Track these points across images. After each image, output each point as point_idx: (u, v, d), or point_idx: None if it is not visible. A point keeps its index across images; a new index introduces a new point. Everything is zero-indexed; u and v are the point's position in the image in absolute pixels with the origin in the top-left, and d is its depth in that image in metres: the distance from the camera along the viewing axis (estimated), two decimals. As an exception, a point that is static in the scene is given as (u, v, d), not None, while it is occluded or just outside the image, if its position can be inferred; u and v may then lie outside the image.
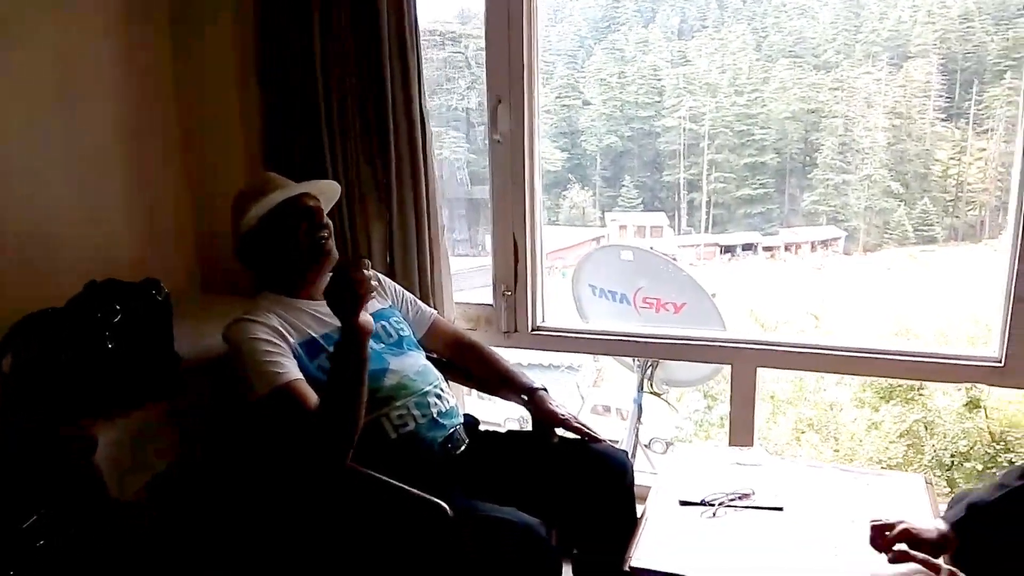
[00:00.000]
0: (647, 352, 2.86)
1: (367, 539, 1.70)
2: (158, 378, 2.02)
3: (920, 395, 7.89)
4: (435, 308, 2.35)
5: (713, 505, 1.82)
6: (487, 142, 2.55)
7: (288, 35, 2.42)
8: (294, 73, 2.44)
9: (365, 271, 1.69)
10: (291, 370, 1.76)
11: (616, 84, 20.62)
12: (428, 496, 1.64)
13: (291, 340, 1.83)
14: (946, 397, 7.74)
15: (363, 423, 1.68)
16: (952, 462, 7.36)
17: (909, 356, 2.27)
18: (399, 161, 2.39)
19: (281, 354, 1.77)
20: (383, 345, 1.93)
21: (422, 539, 1.63)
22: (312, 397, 1.71)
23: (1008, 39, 17.57)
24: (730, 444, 2.41)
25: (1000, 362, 2.09)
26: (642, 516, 1.82)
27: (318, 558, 1.76)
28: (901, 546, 1.51)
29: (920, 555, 1.42)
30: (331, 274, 1.72)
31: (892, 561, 1.50)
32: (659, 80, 20.31)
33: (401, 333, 2.02)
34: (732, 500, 1.82)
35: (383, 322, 1.99)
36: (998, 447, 7.44)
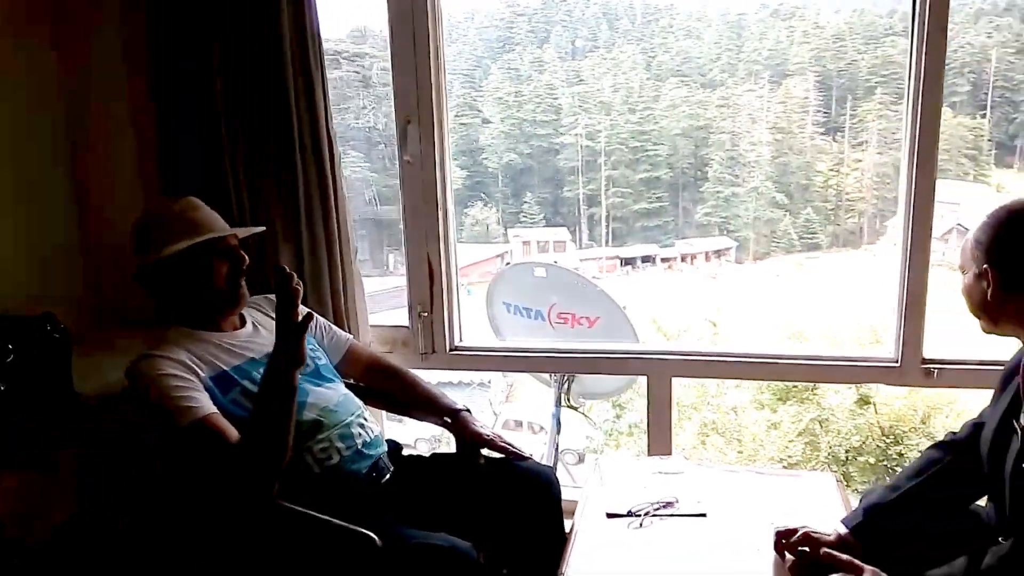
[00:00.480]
0: (566, 367, 2.88)
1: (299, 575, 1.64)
2: (57, 419, 1.88)
3: (814, 395, 8.31)
4: (350, 332, 2.29)
5: (639, 516, 1.84)
6: (396, 162, 2.51)
7: (184, 50, 2.32)
8: (191, 91, 2.33)
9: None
10: (205, 404, 1.67)
11: (514, 103, 20.97)
12: (356, 528, 1.59)
13: (201, 374, 1.74)
14: (838, 396, 8.17)
15: (287, 459, 1.61)
16: (847, 457, 7.76)
17: (815, 360, 2.38)
18: (307, 183, 2.32)
19: (192, 388, 1.68)
20: (301, 375, 1.86)
21: (354, 572, 1.58)
22: (232, 430, 1.62)
23: (878, 57, 18.91)
24: (649, 453, 2.46)
25: (897, 362, 2.22)
26: (571, 531, 1.82)
27: None
28: (805, 549, 1.58)
29: (844, 557, 1.48)
30: (277, 292, 1.61)
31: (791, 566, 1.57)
32: (555, 99, 20.80)
33: (318, 362, 1.95)
34: (657, 510, 1.85)
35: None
36: (888, 440, 7.89)
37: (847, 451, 7.80)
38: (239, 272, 1.83)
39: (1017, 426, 1.34)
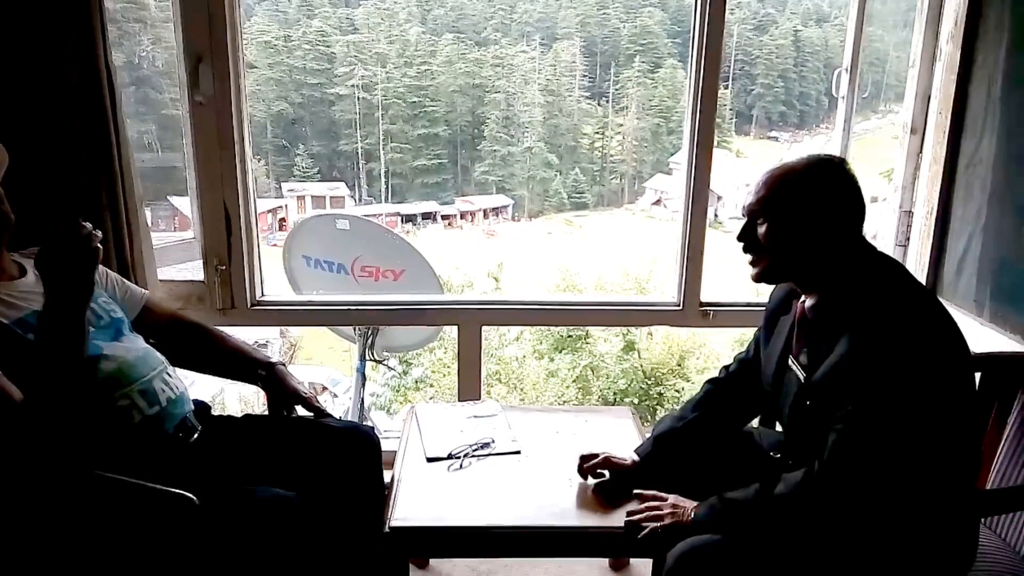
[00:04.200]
0: (379, 319, 2.82)
1: (118, 544, 1.50)
2: None
3: (587, 343, 8.93)
4: (138, 287, 2.10)
5: (459, 457, 1.89)
6: (186, 104, 2.31)
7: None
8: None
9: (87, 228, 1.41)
10: (-18, 364, 1.45)
11: (283, 48, 19.97)
12: (170, 489, 1.49)
13: None
14: (608, 344, 8.85)
15: (82, 417, 1.45)
16: (615, 399, 8.43)
17: (611, 306, 2.55)
18: (83, 123, 2.06)
19: None
20: (93, 329, 1.67)
21: (175, 535, 1.48)
22: (15, 389, 1.43)
23: (636, 27, 20.35)
24: (460, 399, 2.51)
25: (679, 306, 2.44)
26: (392, 478, 1.84)
27: (71, 569, 1.51)
28: (605, 472, 1.72)
29: (649, 492, 1.61)
30: (55, 234, 1.39)
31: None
32: (328, 47, 20.09)
33: (113, 315, 1.76)
34: (475, 450, 1.91)
35: (90, 304, 1.73)
36: (649, 382, 8.71)
37: (615, 393, 8.50)
38: None
39: (795, 365, 1.47)
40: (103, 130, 2.10)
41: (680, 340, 8.67)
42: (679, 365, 8.65)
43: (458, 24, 20.31)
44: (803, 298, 1.46)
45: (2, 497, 1.50)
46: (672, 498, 1.58)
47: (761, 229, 1.39)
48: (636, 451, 1.77)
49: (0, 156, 1.76)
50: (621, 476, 1.73)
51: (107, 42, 2.09)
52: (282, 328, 10.85)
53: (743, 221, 1.44)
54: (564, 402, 7.95)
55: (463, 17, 20.62)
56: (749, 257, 1.43)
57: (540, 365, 8.62)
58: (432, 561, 2.11)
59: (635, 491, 1.64)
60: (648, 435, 1.91)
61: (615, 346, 8.60)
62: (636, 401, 8.15)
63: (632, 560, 2.09)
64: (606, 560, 2.10)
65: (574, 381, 8.36)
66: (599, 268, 11.22)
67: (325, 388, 9.67)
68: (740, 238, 1.44)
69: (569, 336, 8.66)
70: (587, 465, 1.73)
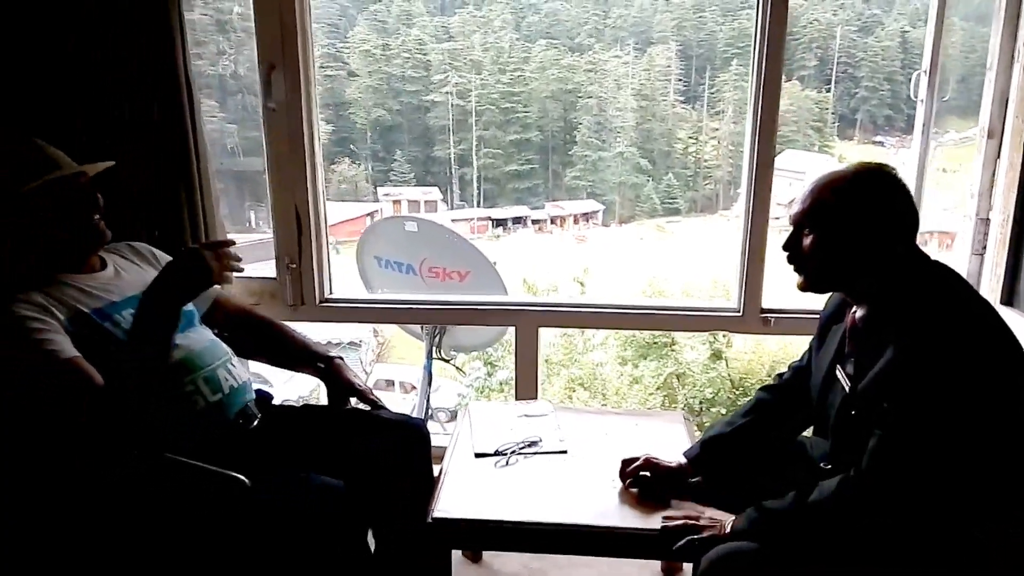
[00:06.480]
0: (437, 319, 2.91)
1: (168, 522, 1.61)
2: None
3: (672, 351, 8.77)
4: (215, 283, 2.23)
5: (506, 454, 1.92)
6: (260, 111, 2.44)
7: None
8: (37, 30, 2.16)
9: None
10: (65, 347, 1.58)
11: (381, 57, 20.54)
12: (223, 471, 1.59)
13: (59, 316, 1.65)
14: (694, 351, 8.66)
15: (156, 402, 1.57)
16: (701, 408, 8.26)
17: (668, 310, 2.53)
18: (165, 130, 2.21)
19: (51, 330, 1.59)
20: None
21: (225, 515, 1.58)
22: (96, 374, 1.55)
23: (735, 29, 19.88)
24: (517, 399, 2.55)
25: (739, 312, 2.40)
26: (440, 471, 1.89)
27: (119, 545, 1.64)
28: (645, 474, 1.71)
29: (680, 513, 1.60)
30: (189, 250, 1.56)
31: (630, 486, 1.69)
32: (425, 55, 20.55)
33: (184, 308, 1.90)
34: (522, 448, 1.94)
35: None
36: (737, 392, 8.47)
37: (701, 402, 8.31)
38: (95, 210, 1.73)
39: (841, 375, 1.44)
40: (183, 138, 2.25)
41: (770, 350, 8.42)
42: (768, 376, 8.39)
43: (552, 30, 20.36)
44: (855, 308, 1.43)
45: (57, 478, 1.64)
46: (708, 511, 1.57)
47: (806, 240, 1.36)
48: (684, 454, 1.75)
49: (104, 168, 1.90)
50: (665, 478, 1.72)
51: (187, 50, 2.23)
52: (374, 328, 11.19)
53: (789, 231, 1.40)
54: (648, 408, 7.85)
55: (557, 23, 20.65)
56: (794, 267, 1.41)
57: (625, 371, 8.55)
58: (485, 556, 2.15)
59: (672, 501, 1.64)
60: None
61: (702, 354, 8.42)
62: (723, 411, 7.96)
63: (686, 566, 2.07)
64: (658, 564, 2.09)
65: (658, 388, 8.25)
66: (688, 275, 11.02)
67: (414, 387, 9.91)
68: (785, 248, 1.42)
69: (654, 343, 8.55)
70: (629, 469, 1.72)
